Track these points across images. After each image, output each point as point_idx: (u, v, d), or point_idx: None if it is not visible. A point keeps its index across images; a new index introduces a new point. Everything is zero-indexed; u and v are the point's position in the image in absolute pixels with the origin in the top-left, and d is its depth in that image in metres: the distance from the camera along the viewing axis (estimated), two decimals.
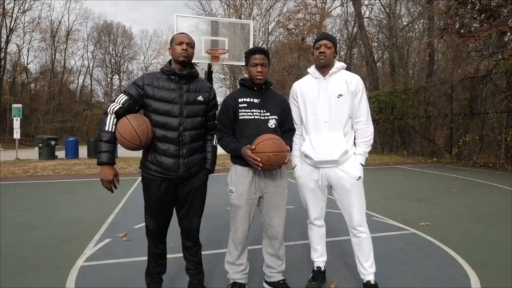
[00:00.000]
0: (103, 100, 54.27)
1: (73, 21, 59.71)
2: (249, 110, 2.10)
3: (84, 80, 48.97)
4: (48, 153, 13.30)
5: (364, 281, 2.15)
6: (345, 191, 2.14)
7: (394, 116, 13.85)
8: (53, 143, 13.56)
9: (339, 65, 2.22)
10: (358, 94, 2.16)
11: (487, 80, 10.03)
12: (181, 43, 1.97)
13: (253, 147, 1.92)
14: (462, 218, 4.20)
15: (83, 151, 14.64)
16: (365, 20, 22.47)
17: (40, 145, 13.31)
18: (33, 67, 42.79)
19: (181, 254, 2.21)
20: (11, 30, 38.06)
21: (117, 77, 53.89)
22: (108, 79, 53.35)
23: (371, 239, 2.18)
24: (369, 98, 15.00)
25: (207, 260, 2.34)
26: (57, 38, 42.66)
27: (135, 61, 55.24)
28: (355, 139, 2.23)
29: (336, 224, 3.58)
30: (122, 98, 1.90)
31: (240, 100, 2.11)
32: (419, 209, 4.61)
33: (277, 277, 2.24)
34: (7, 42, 37.53)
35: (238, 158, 2.08)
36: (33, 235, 3.60)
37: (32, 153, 16.41)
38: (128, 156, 13.72)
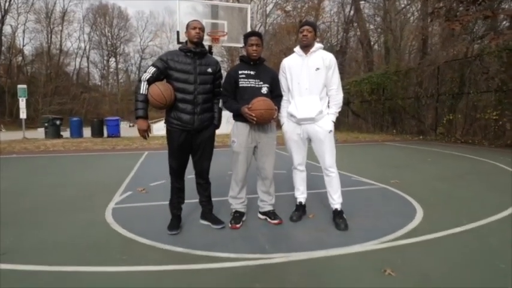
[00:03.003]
0: (99, 83, 54.22)
1: (68, 1, 58.70)
2: (246, 80, 2.74)
3: (80, 63, 48.81)
4: (54, 132, 13.87)
5: (333, 209, 2.87)
6: (320, 141, 2.82)
7: (385, 97, 14.47)
8: (58, 122, 14.12)
9: (317, 45, 2.85)
10: (331, 68, 2.80)
11: (471, 62, 10.62)
12: (194, 28, 2.59)
13: (250, 106, 2.58)
14: (428, 177, 4.93)
15: (85, 132, 15.20)
16: (362, 2, 22.69)
17: (46, 124, 13.86)
18: (29, 49, 42.48)
19: (193, 200, 2.90)
20: (5, 12, 37.56)
21: (113, 59, 53.67)
22: (105, 61, 53.14)
23: (339, 178, 2.87)
24: (362, 80, 15.60)
25: (213, 203, 3.04)
26: (53, 19, 42.29)
27: (131, 43, 54.70)
28: (329, 103, 2.89)
29: (316, 182, 4.28)
30: (152, 70, 2.54)
31: (240, 72, 2.75)
32: (393, 173, 5.33)
33: (268, 208, 2.95)
34: (2, 23, 37.12)
35: (238, 116, 2.74)
36: (64, 191, 4.28)
37: (35, 134, 16.98)
38: (130, 136, 14.37)
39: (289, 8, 29.98)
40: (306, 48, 2.83)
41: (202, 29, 2.63)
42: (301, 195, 3.06)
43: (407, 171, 5.54)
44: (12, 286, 1.90)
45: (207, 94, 2.66)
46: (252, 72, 2.75)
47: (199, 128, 2.65)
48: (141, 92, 2.51)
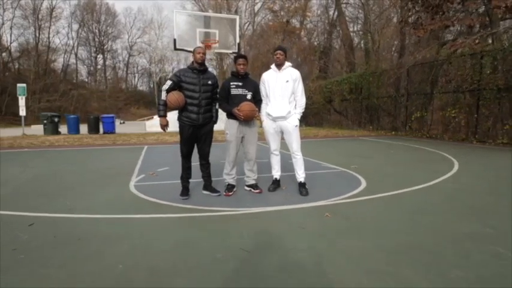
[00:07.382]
0: (87, 80, 54.09)
1: None
2: (236, 89, 3.82)
3: (68, 59, 48.70)
4: (53, 129, 14.61)
5: (298, 181, 4.00)
6: (289, 133, 3.93)
7: (362, 96, 15.77)
8: (56, 119, 14.85)
9: (287, 64, 3.96)
10: (297, 80, 3.92)
11: (436, 66, 11.94)
12: (199, 53, 3.66)
13: (239, 108, 3.67)
14: (382, 164, 6.13)
15: (81, 129, 15.90)
16: (344, 5, 23.97)
17: (45, 121, 14.58)
18: (14, 45, 42.13)
19: (196, 180, 3.98)
20: None
21: (101, 56, 53.64)
22: (92, 58, 53.08)
23: (303, 160, 4.00)
24: (342, 80, 16.87)
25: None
26: (40, 15, 42.15)
27: (119, 40, 54.75)
28: (295, 106, 4.00)
29: (291, 168, 5.41)
30: (169, 83, 3.60)
31: (231, 83, 3.83)
32: (356, 161, 6.50)
33: (252, 182, 4.06)
34: None
35: (230, 115, 3.83)
36: (88, 175, 5.28)
37: (30, 131, 17.56)
38: (126, 133, 15.25)
39: (276, 7, 31.07)
40: (279, 66, 3.94)
41: (204, 53, 3.71)
42: (276, 173, 4.17)
43: (368, 159, 6.74)
44: (85, 225, 2.95)
45: (208, 99, 3.74)
46: (240, 84, 3.84)
47: (202, 124, 3.73)
48: (162, 98, 3.57)
